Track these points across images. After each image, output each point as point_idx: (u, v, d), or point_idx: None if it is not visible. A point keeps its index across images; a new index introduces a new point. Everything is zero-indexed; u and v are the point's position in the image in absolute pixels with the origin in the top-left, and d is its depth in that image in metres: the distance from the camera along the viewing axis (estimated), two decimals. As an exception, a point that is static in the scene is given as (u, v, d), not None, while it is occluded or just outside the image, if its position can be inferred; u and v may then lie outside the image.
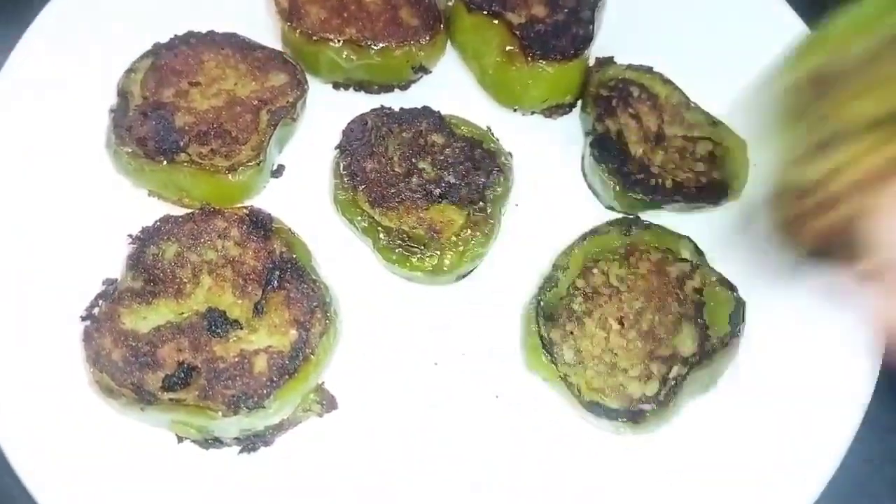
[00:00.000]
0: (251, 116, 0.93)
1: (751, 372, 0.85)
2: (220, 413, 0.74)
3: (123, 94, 0.94)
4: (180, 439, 0.80)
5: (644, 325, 0.84)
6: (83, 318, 0.81)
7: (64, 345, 0.82)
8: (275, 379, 0.76)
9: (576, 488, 0.81)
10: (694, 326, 0.83)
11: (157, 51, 0.97)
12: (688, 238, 0.89)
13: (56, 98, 0.98)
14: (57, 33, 1.01)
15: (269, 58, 0.97)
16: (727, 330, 0.83)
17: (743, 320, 0.84)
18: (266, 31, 1.03)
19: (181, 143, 0.90)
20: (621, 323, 0.84)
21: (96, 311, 0.81)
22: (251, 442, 0.80)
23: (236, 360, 0.77)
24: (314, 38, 0.96)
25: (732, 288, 0.85)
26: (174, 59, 0.96)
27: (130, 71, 0.95)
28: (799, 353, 0.86)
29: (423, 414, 0.84)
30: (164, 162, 0.89)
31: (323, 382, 0.84)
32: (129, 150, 0.89)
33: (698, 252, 0.88)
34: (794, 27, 1.04)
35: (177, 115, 0.92)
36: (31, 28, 1.00)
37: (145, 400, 0.75)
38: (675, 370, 0.81)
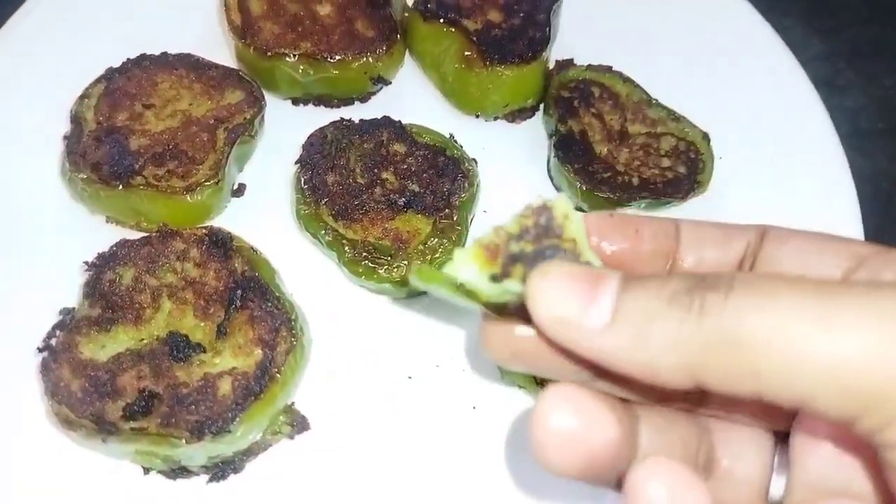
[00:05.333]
0: (208, 135, 0.91)
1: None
2: (183, 440, 0.71)
3: (77, 120, 0.92)
4: (146, 470, 0.77)
5: None
6: (40, 350, 0.78)
7: (20, 377, 0.79)
8: (240, 401, 0.73)
9: (556, 499, 0.78)
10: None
11: (109, 75, 0.95)
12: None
13: (8, 127, 0.95)
14: (7, 61, 0.99)
15: (225, 76, 0.96)
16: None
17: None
18: (220, 49, 1.01)
19: (136, 166, 0.87)
20: None
21: (53, 341, 0.78)
22: (220, 469, 0.77)
23: (199, 384, 0.74)
24: (269, 53, 0.95)
25: None
26: (127, 82, 0.94)
27: (83, 97, 0.93)
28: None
29: (398, 429, 0.81)
30: (120, 186, 0.86)
31: (293, 403, 0.81)
32: (84, 176, 0.87)
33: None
34: (751, 19, 1.04)
35: (131, 139, 0.90)
36: (-21, 58, 0.99)
37: (106, 430, 0.72)
38: None
